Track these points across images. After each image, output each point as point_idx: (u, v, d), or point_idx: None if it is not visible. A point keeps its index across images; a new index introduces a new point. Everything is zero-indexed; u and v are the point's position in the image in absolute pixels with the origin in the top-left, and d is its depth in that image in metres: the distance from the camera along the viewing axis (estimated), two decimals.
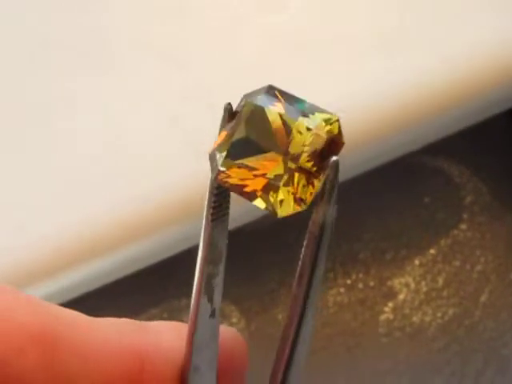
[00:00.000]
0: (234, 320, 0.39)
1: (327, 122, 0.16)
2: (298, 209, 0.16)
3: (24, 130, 0.36)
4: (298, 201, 0.16)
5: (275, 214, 0.16)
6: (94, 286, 0.36)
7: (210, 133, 0.38)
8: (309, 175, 0.16)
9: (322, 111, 0.16)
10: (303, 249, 0.16)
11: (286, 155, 0.16)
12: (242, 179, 0.16)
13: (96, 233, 0.34)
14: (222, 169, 0.16)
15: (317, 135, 0.16)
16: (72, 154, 0.35)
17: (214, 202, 0.17)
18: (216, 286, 0.17)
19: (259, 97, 0.16)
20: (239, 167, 0.16)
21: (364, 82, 0.35)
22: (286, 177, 0.16)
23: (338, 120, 0.16)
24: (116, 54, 0.37)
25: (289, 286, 0.40)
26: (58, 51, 0.37)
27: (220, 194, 0.17)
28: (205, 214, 0.17)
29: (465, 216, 0.41)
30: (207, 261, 0.17)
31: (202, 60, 0.36)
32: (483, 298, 0.40)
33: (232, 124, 0.16)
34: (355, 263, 0.41)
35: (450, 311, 0.40)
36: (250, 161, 0.16)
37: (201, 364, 0.17)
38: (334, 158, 0.16)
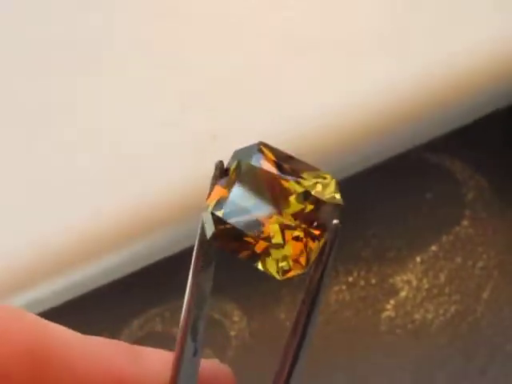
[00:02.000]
0: (236, 319, 0.39)
1: (325, 186, 0.16)
2: (298, 272, 0.16)
3: (24, 131, 0.36)
4: (298, 264, 0.16)
5: (276, 277, 0.16)
6: (94, 285, 0.36)
7: (209, 134, 0.38)
8: (307, 238, 0.16)
9: (314, 170, 0.16)
10: (300, 304, 0.16)
11: (283, 218, 0.15)
12: (236, 239, 0.16)
13: (96, 231, 0.34)
14: (213, 231, 0.16)
15: (318, 200, 0.15)
16: (71, 155, 0.35)
17: (203, 254, 0.17)
18: (200, 327, 0.17)
19: (253, 156, 0.16)
20: (229, 228, 0.15)
21: (365, 79, 0.35)
22: (284, 242, 0.15)
23: (335, 182, 0.16)
24: (116, 56, 0.37)
25: (291, 285, 0.39)
26: (58, 53, 0.37)
27: (208, 246, 0.17)
28: (192, 264, 0.17)
29: (466, 212, 0.41)
30: (194, 306, 0.17)
31: (201, 62, 0.36)
32: (485, 295, 0.40)
33: (224, 182, 0.16)
34: (357, 261, 0.40)
35: (452, 308, 0.40)
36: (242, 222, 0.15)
37: None
38: (335, 221, 0.16)
